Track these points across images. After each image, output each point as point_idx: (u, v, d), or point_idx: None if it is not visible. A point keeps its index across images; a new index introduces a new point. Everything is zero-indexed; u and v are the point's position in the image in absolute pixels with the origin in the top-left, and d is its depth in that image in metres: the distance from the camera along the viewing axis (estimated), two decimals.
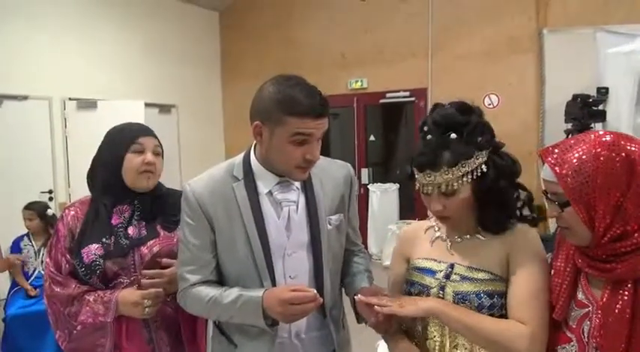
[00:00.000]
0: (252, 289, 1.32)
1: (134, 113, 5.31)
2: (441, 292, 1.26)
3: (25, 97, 5.32)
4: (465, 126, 1.21)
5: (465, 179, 1.19)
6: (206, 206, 1.34)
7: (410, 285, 1.34)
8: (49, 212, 3.77)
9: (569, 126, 4.88)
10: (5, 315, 3.46)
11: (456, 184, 1.20)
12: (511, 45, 5.78)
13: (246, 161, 1.40)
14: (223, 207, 1.35)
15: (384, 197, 6.46)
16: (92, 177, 1.64)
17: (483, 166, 1.21)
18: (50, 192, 5.53)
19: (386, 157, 7.47)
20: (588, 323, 1.10)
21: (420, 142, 1.25)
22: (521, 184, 1.29)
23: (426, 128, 1.25)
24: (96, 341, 1.52)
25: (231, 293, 1.32)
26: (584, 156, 1.05)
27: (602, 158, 1.03)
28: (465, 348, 1.24)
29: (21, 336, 3.31)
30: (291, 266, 1.38)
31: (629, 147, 1.04)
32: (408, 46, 6.32)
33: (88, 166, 1.66)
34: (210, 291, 1.34)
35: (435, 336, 1.28)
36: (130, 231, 1.57)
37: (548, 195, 1.13)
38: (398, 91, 6.48)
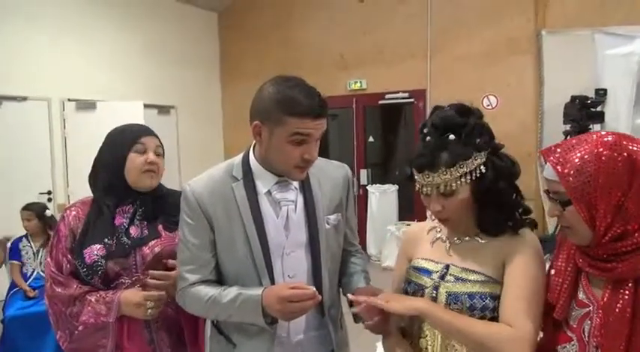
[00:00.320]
0: (251, 288, 1.32)
1: (133, 114, 5.31)
2: (434, 292, 1.26)
3: (25, 98, 5.32)
4: (463, 127, 1.21)
5: (463, 180, 1.20)
6: (205, 206, 1.35)
7: (407, 284, 1.35)
8: (48, 212, 3.77)
9: (568, 127, 4.89)
10: (4, 316, 3.45)
11: (454, 185, 1.20)
12: (510, 46, 5.78)
13: (246, 161, 1.41)
14: (223, 206, 1.35)
15: (382, 198, 6.46)
16: (94, 178, 1.64)
17: (482, 167, 1.21)
18: (49, 192, 5.53)
19: (385, 158, 7.48)
20: (589, 322, 1.10)
21: (420, 144, 1.26)
22: (518, 188, 1.29)
23: (425, 130, 1.26)
24: (97, 341, 1.52)
25: (231, 292, 1.33)
26: (586, 156, 1.05)
27: (604, 158, 1.04)
28: (456, 350, 1.24)
29: (20, 337, 3.30)
30: (289, 266, 1.39)
31: (631, 147, 1.04)
32: (407, 47, 6.32)
33: (88, 167, 1.65)
34: (209, 291, 1.35)
35: (427, 335, 1.29)
36: (132, 231, 1.57)
37: (550, 194, 1.14)
38: (397, 92, 6.48)
